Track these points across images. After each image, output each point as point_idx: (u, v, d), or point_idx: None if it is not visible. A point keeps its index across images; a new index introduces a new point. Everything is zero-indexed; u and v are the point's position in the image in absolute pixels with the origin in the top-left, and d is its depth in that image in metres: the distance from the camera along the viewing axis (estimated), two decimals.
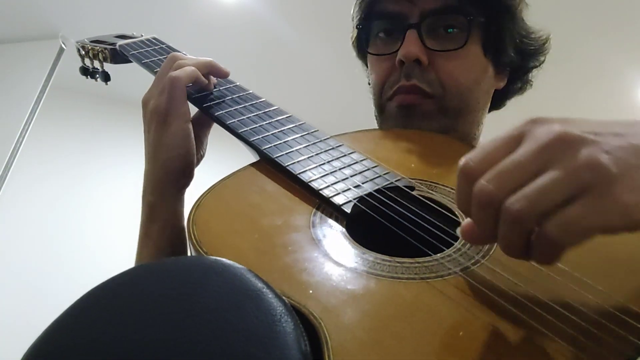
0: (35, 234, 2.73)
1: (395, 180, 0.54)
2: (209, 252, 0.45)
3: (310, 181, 0.53)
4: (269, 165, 0.58)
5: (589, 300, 0.38)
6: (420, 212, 0.50)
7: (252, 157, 0.61)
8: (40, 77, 2.50)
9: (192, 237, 0.47)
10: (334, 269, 0.43)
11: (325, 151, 0.59)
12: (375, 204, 0.51)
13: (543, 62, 0.75)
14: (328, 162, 0.57)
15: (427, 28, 0.66)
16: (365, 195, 0.52)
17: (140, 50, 0.80)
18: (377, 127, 0.75)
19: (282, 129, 0.62)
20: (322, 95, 2.90)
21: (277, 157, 0.57)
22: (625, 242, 0.43)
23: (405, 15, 0.67)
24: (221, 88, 0.70)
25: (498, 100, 0.76)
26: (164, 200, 0.62)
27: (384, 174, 0.55)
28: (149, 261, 0.61)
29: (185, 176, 0.63)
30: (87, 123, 3.08)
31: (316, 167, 0.56)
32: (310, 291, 0.40)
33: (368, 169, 0.56)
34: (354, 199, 0.51)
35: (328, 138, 0.61)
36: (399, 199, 0.52)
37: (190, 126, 0.63)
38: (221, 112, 0.65)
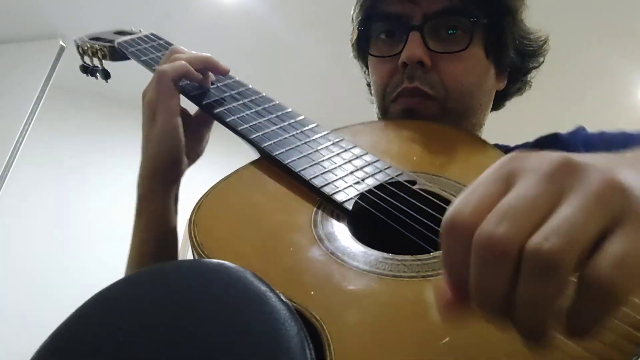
0: (35, 234, 2.73)
1: (397, 175, 0.54)
2: (210, 255, 0.44)
3: (311, 179, 0.53)
4: (269, 163, 0.57)
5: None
6: (422, 208, 0.49)
7: (252, 154, 0.61)
8: (40, 77, 2.50)
9: (194, 239, 0.46)
10: (336, 269, 0.43)
11: (325, 147, 0.58)
12: (376, 200, 0.51)
13: (542, 62, 0.75)
14: (329, 158, 0.56)
15: (429, 30, 0.66)
16: (366, 191, 0.52)
17: (139, 47, 0.79)
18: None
19: (282, 125, 0.62)
20: (320, 95, 2.90)
21: (277, 154, 0.57)
22: None
23: (408, 17, 0.67)
24: (219, 84, 0.69)
25: (498, 101, 0.76)
26: (151, 194, 0.62)
27: (385, 168, 0.55)
28: (134, 253, 0.62)
29: (173, 171, 0.63)
30: (87, 123, 3.08)
31: (317, 164, 0.55)
32: (312, 292, 0.40)
33: (369, 164, 0.56)
34: (355, 197, 0.51)
35: (328, 133, 0.61)
36: (400, 195, 0.51)
37: (178, 121, 0.62)
38: (220, 109, 0.65)
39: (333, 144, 0.59)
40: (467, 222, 0.27)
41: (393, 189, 0.52)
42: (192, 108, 0.68)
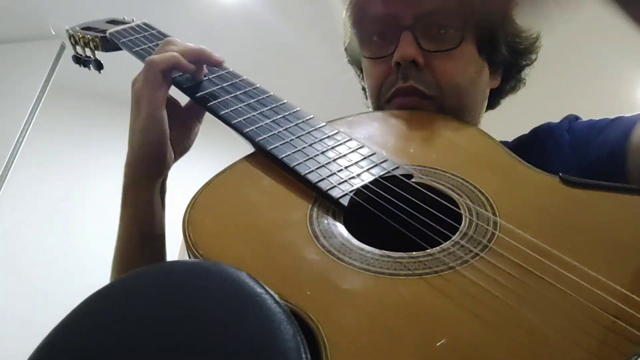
0: (35, 233, 2.73)
1: (393, 169, 0.53)
2: (205, 255, 0.44)
3: (306, 174, 0.52)
4: (264, 157, 0.56)
5: (595, 295, 0.37)
6: (418, 203, 0.49)
7: (247, 147, 0.60)
8: (40, 77, 2.50)
9: (188, 238, 0.45)
10: (332, 268, 0.42)
11: (321, 140, 0.57)
12: (372, 195, 0.51)
13: (535, 60, 0.76)
14: (324, 152, 0.56)
15: (421, 29, 0.66)
16: (362, 186, 0.51)
17: (131, 38, 0.77)
18: None
19: (276, 117, 0.61)
20: (320, 95, 2.89)
21: (271, 148, 0.56)
22: (630, 228, 0.43)
23: (399, 17, 0.66)
24: (211, 76, 0.67)
25: (493, 100, 0.76)
26: (135, 186, 0.62)
27: (381, 162, 0.54)
28: (119, 244, 0.63)
29: (157, 163, 0.62)
30: (87, 123, 3.08)
31: (312, 158, 0.55)
32: (308, 292, 0.40)
33: (365, 158, 0.55)
34: (350, 192, 0.50)
35: (324, 125, 0.60)
36: (396, 189, 0.51)
37: (163, 113, 0.61)
38: (214, 102, 0.63)
39: (328, 137, 0.58)
40: None
41: (389, 183, 0.52)
42: (185, 100, 0.67)
